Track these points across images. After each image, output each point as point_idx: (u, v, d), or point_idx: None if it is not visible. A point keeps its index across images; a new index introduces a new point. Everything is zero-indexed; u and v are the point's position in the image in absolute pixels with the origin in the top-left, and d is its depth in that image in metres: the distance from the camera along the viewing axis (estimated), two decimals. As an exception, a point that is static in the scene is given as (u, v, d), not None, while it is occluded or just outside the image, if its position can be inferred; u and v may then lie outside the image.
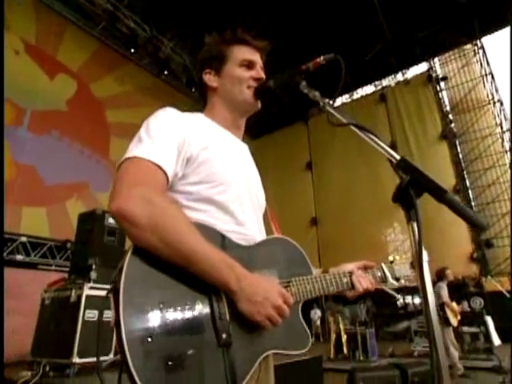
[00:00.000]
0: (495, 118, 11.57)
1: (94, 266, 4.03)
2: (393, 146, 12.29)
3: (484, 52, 12.01)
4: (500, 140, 11.30)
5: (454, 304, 5.42)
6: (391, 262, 1.24)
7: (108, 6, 9.14)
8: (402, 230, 10.32)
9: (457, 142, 12.02)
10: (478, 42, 11.96)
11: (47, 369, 3.50)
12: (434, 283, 5.61)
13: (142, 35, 9.98)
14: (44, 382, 3.32)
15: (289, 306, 0.87)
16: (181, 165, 0.96)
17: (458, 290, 7.75)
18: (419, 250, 0.67)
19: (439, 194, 0.68)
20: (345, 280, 1.11)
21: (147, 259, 0.79)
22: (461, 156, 11.88)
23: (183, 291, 0.81)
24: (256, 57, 1.17)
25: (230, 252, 0.90)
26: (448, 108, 12.42)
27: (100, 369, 3.35)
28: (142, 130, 0.96)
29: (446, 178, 11.22)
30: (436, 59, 12.75)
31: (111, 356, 3.66)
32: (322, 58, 0.96)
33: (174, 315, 0.77)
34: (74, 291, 3.81)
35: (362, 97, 14.09)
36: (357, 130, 0.82)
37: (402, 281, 1.21)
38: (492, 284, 9.01)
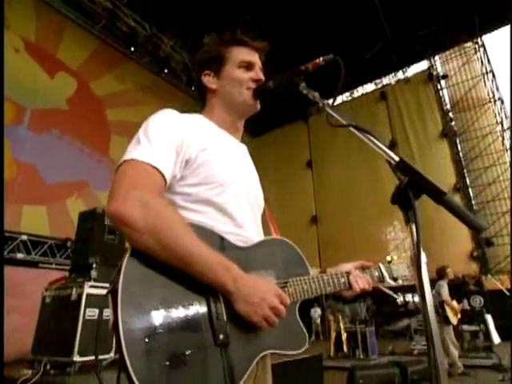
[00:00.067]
0: (496, 117, 11.56)
1: (94, 265, 4.03)
2: (393, 145, 12.30)
3: (485, 50, 11.98)
4: (500, 138, 11.28)
5: (454, 302, 5.43)
6: (389, 262, 1.24)
7: (108, 5, 9.13)
8: (403, 228, 10.32)
9: (457, 141, 12.01)
10: (479, 39, 11.93)
11: (48, 367, 3.51)
12: (435, 282, 5.62)
13: (142, 33, 9.96)
14: (45, 381, 3.33)
15: (285, 306, 0.87)
16: (179, 166, 0.96)
17: (458, 289, 7.76)
18: (417, 251, 0.68)
19: (438, 195, 0.68)
20: (342, 280, 1.11)
21: (145, 261, 0.80)
22: (461, 154, 11.87)
23: (181, 292, 0.81)
24: (255, 58, 1.17)
25: (228, 253, 0.91)
26: (448, 106, 12.40)
27: (100, 368, 3.37)
28: (140, 132, 0.97)
29: (446, 177, 11.22)
30: (437, 57, 12.72)
31: (111, 354, 3.67)
32: (321, 58, 0.97)
33: (172, 316, 0.78)
34: (74, 290, 3.82)
35: (362, 95, 14.06)
36: (356, 132, 0.82)
37: (400, 281, 1.22)
38: (492, 282, 9.02)
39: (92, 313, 3.70)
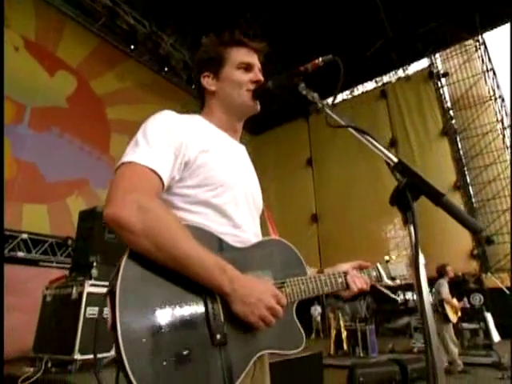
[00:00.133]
0: (496, 115, 11.54)
1: (95, 264, 4.04)
2: (393, 143, 12.29)
3: (485, 48, 11.95)
4: (501, 136, 11.27)
5: (454, 300, 5.43)
6: (387, 262, 1.24)
7: (107, 2, 9.10)
8: (403, 226, 10.32)
9: (457, 139, 12.00)
10: (480, 37, 11.91)
11: (49, 365, 3.53)
12: (435, 280, 5.63)
13: (142, 31, 9.94)
14: (46, 378, 3.34)
15: (282, 306, 0.88)
16: (178, 168, 0.96)
17: (458, 287, 7.77)
18: (416, 252, 0.68)
19: (436, 197, 0.68)
20: (340, 280, 1.12)
21: (143, 262, 0.81)
22: (461, 152, 11.87)
23: (178, 293, 0.82)
24: (254, 59, 1.17)
25: (226, 254, 0.92)
26: (449, 104, 12.38)
27: (100, 366, 3.38)
28: (139, 134, 0.97)
29: (446, 175, 11.21)
30: (437, 55, 12.70)
31: (112, 353, 3.68)
32: (320, 59, 0.97)
33: (170, 316, 0.78)
34: (75, 288, 3.82)
35: (362, 93, 14.04)
36: (355, 132, 0.83)
37: (398, 280, 1.22)
38: (492, 280, 9.02)
39: (93, 311, 3.71)
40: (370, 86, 13.96)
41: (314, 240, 13.24)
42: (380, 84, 13.64)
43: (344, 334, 7.22)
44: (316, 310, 11.41)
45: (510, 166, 10.41)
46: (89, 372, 3.45)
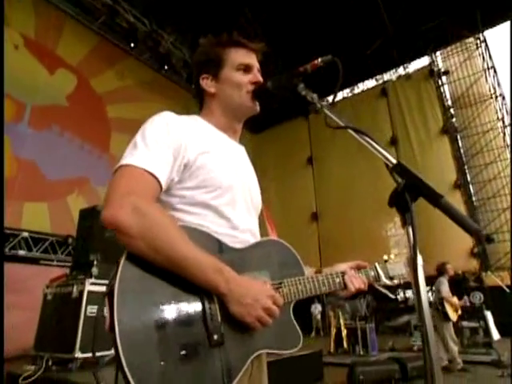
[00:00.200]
0: (497, 113, 11.52)
1: (95, 262, 4.06)
2: (394, 141, 12.29)
3: (486, 45, 11.91)
4: (501, 135, 11.25)
5: (454, 299, 5.44)
6: (385, 261, 1.24)
7: (107, 0, 9.09)
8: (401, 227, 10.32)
9: (458, 137, 11.99)
10: (481, 35, 11.86)
11: (50, 363, 3.54)
12: (435, 278, 5.63)
13: (142, 29, 9.93)
14: (47, 377, 3.36)
15: (278, 306, 0.89)
16: (177, 170, 0.97)
17: (459, 285, 7.77)
18: (414, 253, 0.68)
19: (435, 198, 0.68)
20: (337, 280, 1.12)
21: (141, 264, 0.82)
22: (462, 151, 11.86)
23: (176, 294, 0.83)
24: (253, 59, 1.16)
25: (223, 255, 0.93)
26: (449, 102, 12.36)
27: (101, 364, 3.40)
28: (138, 136, 0.97)
29: (446, 173, 11.21)
30: (438, 53, 12.67)
31: (113, 351, 3.69)
32: (319, 59, 0.97)
33: (167, 317, 0.79)
34: (75, 287, 3.84)
35: (363, 91, 14.03)
36: (354, 134, 0.83)
37: (396, 280, 1.22)
38: (492, 279, 9.03)
39: (93, 310, 3.73)
40: (370, 84, 13.96)
41: (314, 238, 13.25)
42: (380, 82, 13.62)
43: (344, 332, 7.23)
44: (316, 309, 11.43)
45: (510, 165, 10.40)
46: (89, 370, 3.46)
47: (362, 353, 6.80)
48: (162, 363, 0.74)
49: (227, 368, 0.82)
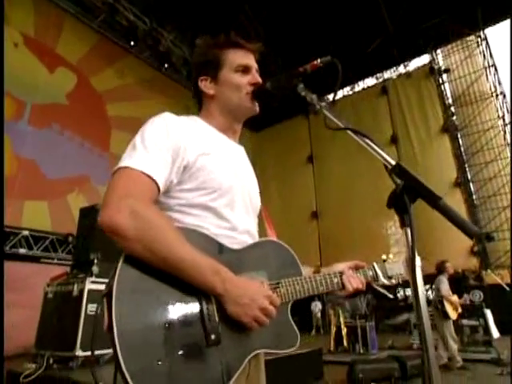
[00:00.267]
0: (497, 111, 11.49)
1: (95, 261, 4.06)
2: (394, 139, 12.27)
3: (487, 43, 11.88)
4: (502, 133, 11.23)
5: (454, 297, 5.44)
6: (384, 261, 1.25)
7: (107, -2, 9.07)
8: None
9: (458, 135, 11.97)
10: (481, 33, 11.83)
11: (51, 361, 3.55)
12: (434, 276, 5.63)
13: (142, 28, 9.91)
14: (48, 375, 3.37)
15: (275, 307, 0.90)
16: (176, 172, 0.97)
17: (458, 284, 7.78)
18: (412, 255, 0.69)
19: (433, 200, 0.69)
20: (335, 280, 1.13)
21: (139, 265, 0.82)
22: (462, 149, 11.85)
23: (174, 294, 0.84)
24: (251, 60, 1.16)
25: (221, 256, 0.94)
26: (450, 101, 12.34)
27: (102, 362, 3.41)
28: (137, 137, 0.97)
29: (447, 171, 11.20)
30: (438, 51, 12.63)
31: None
32: (319, 60, 0.97)
33: (165, 317, 0.80)
34: (76, 285, 3.85)
35: (363, 89, 14.00)
36: (353, 135, 0.83)
37: (394, 280, 1.23)
38: (492, 277, 9.04)
39: (93, 308, 3.73)
40: (370, 82, 13.92)
41: (314, 237, 13.26)
42: (381, 80, 13.59)
43: (344, 331, 7.23)
44: (316, 307, 11.45)
45: (510, 163, 10.39)
46: (90, 368, 3.47)
47: (361, 351, 6.81)
48: (160, 363, 0.75)
49: (224, 367, 0.83)
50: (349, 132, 0.84)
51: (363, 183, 12.08)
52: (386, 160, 0.78)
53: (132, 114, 9.47)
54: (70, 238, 7.46)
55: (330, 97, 12.74)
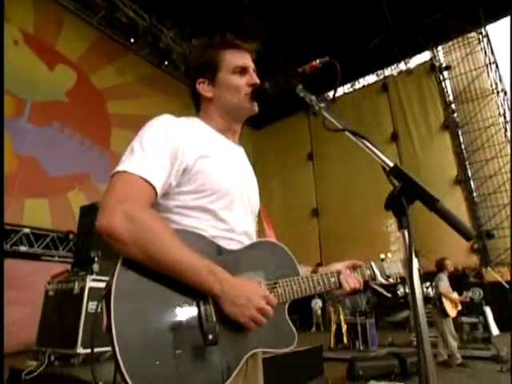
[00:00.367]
0: (498, 108, 11.46)
1: (96, 259, 4.07)
2: (394, 137, 12.25)
3: (488, 40, 11.83)
4: (503, 130, 11.21)
5: (455, 294, 5.45)
6: (382, 260, 1.26)
7: (107, -5, 9.04)
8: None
9: (459, 133, 11.95)
10: (483, 30, 11.77)
11: (52, 358, 3.57)
12: (434, 274, 5.64)
13: (142, 25, 9.88)
14: (49, 372, 3.39)
15: (272, 307, 0.90)
16: (175, 175, 0.97)
17: (458, 281, 7.80)
18: (409, 256, 0.69)
19: (431, 202, 0.69)
20: (332, 280, 1.13)
21: (136, 267, 0.83)
22: (463, 146, 11.83)
23: (172, 295, 0.85)
24: (248, 61, 1.16)
25: (218, 257, 0.94)
26: (451, 98, 12.30)
27: (102, 360, 3.43)
28: (135, 141, 0.97)
29: (447, 169, 11.19)
30: (439, 48, 12.58)
31: (113, 347, 3.72)
32: (318, 61, 0.97)
33: (163, 318, 0.81)
34: (76, 283, 3.86)
35: (363, 86, 13.97)
36: (351, 136, 0.83)
37: (391, 279, 1.24)
38: (492, 275, 9.05)
39: (94, 306, 3.75)
40: (371, 79, 13.89)
41: (314, 234, 13.28)
42: (381, 77, 13.55)
43: (344, 328, 7.26)
44: (317, 304, 11.48)
45: (510, 161, 10.37)
46: (91, 366, 3.49)
47: (361, 348, 6.85)
48: (158, 363, 0.76)
49: (222, 367, 0.84)
50: (347, 133, 0.84)
51: (363, 180, 12.06)
52: (383, 161, 0.78)
53: (132, 111, 9.46)
54: (71, 236, 7.48)
55: (331, 94, 12.74)
